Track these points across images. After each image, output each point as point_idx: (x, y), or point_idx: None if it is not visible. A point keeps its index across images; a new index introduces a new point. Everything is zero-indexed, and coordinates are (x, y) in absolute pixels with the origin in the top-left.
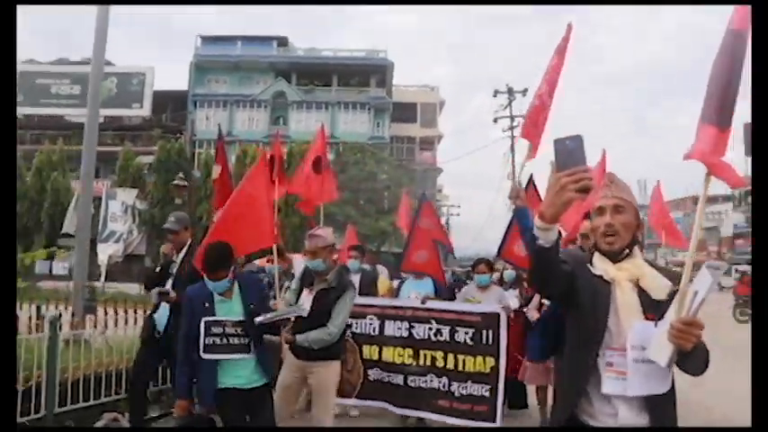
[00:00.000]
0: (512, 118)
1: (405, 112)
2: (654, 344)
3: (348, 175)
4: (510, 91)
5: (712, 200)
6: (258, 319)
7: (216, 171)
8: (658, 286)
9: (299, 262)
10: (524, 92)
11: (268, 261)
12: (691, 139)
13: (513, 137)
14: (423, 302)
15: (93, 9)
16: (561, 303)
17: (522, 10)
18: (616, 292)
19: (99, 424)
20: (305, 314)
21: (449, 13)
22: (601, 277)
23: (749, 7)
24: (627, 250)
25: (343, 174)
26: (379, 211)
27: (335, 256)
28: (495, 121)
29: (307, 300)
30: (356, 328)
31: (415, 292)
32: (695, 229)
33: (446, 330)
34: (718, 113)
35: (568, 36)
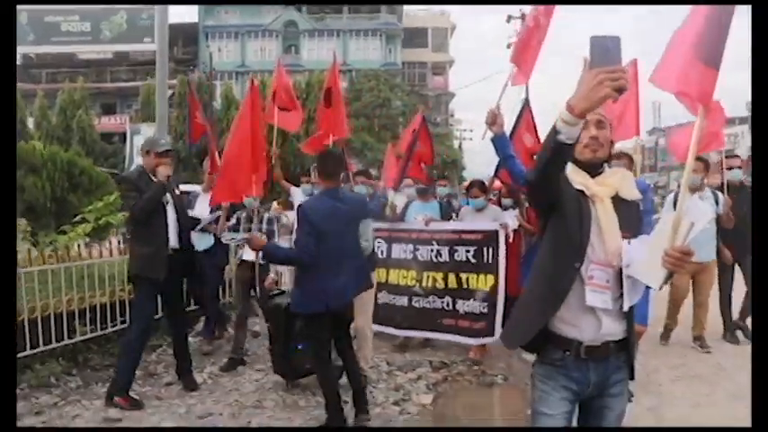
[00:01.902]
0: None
1: (416, 37)
2: (644, 268)
3: (362, 102)
4: (523, 16)
5: (729, 121)
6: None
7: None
8: (633, 192)
9: (297, 193)
10: None
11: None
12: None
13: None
14: (426, 224)
15: None
16: (547, 214)
17: None
18: (597, 207)
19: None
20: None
21: None
22: (581, 191)
23: None
24: (605, 164)
25: (358, 101)
26: (394, 137)
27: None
28: (509, 46)
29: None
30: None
31: (420, 215)
32: (689, 158)
33: (445, 251)
34: (712, 54)
35: None
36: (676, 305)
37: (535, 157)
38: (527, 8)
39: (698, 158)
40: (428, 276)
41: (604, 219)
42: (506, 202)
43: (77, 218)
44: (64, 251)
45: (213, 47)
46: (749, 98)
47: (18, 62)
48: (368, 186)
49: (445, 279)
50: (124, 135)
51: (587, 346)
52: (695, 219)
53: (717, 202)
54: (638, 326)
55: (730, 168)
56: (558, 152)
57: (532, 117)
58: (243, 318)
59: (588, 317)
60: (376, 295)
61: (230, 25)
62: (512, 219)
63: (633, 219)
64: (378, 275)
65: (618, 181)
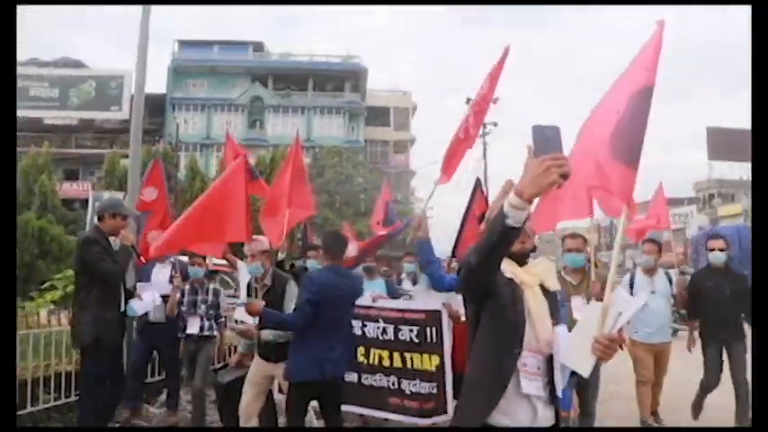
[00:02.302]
0: (484, 125)
1: (378, 115)
2: (573, 355)
3: (325, 179)
4: None
5: (678, 202)
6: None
7: (151, 194)
8: (555, 284)
9: (243, 267)
10: (495, 100)
11: (195, 263)
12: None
13: (485, 143)
14: (374, 301)
15: (61, 7)
16: (479, 302)
17: (493, 12)
18: (527, 295)
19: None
20: (248, 319)
21: (420, 15)
22: (512, 280)
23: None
24: (532, 253)
25: (321, 177)
26: (355, 214)
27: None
28: None
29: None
30: None
31: (368, 292)
32: (614, 253)
33: (390, 329)
34: (630, 153)
35: (504, 60)
36: (646, 391)
37: (475, 244)
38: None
39: (650, 240)
40: (375, 354)
41: (534, 306)
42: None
43: (46, 284)
44: (31, 318)
45: (180, 118)
46: (698, 179)
47: None
48: (319, 261)
49: (390, 357)
50: (86, 201)
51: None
52: (622, 309)
53: (670, 282)
54: (563, 411)
55: (712, 250)
56: (505, 235)
57: (486, 197)
58: (199, 390)
59: (523, 404)
60: None
61: (197, 98)
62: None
63: (556, 308)
64: None
65: (543, 271)
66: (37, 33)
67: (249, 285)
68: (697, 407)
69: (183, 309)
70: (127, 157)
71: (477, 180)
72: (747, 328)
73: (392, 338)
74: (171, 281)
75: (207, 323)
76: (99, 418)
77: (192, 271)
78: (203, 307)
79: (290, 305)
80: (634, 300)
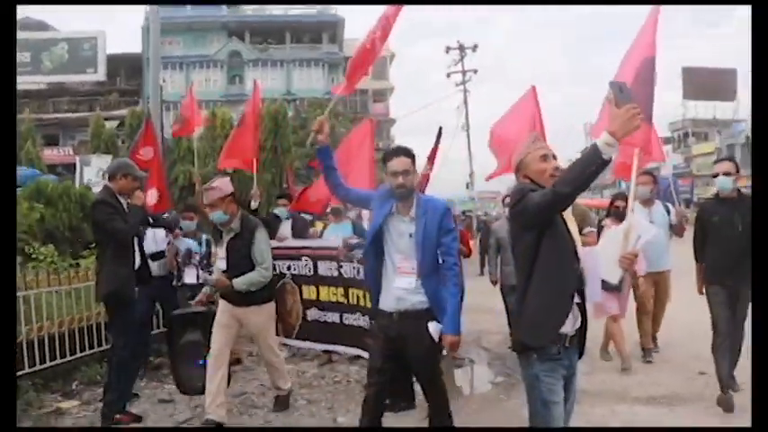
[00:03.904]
0: (464, 73)
1: None
2: (604, 267)
3: (307, 131)
4: (461, 48)
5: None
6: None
7: (147, 154)
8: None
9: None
10: (474, 47)
11: (187, 218)
12: None
13: (465, 90)
14: (345, 245)
15: None
16: (544, 229)
17: None
18: (567, 218)
19: None
20: (222, 267)
21: None
22: None
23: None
24: None
25: (303, 129)
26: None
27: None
28: (449, 75)
29: (220, 253)
30: (294, 270)
31: (334, 236)
32: (631, 195)
33: (358, 268)
34: (646, 112)
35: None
36: (646, 320)
37: (562, 179)
38: (464, 40)
39: (645, 172)
40: (353, 293)
41: (572, 227)
42: None
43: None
44: (84, 273)
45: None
46: (672, 119)
47: None
48: (286, 209)
49: (365, 296)
50: (70, 166)
51: (570, 337)
52: (641, 232)
53: (668, 213)
54: (450, 336)
55: (716, 175)
56: (600, 167)
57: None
58: None
59: (574, 311)
60: (305, 312)
61: (175, 57)
62: None
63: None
64: (308, 293)
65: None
66: None
67: (216, 231)
68: (724, 383)
69: (179, 261)
70: (110, 119)
71: (440, 129)
72: None
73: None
74: (167, 236)
75: (202, 272)
76: (132, 365)
77: (184, 225)
78: (197, 257)
79: (260, 249)
80: (651, 226)
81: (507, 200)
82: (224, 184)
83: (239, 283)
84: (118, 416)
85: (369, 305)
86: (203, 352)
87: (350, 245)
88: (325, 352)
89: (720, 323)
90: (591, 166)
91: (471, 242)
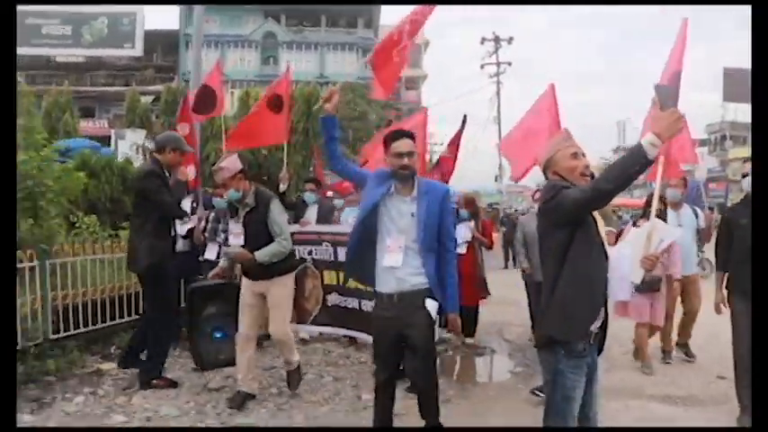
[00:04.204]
0: (498, 64)
1: None
2: (628, 268)
3: (339, 115)
4: (497, 39)
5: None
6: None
7: (183, 130)
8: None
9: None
10: (510, 40)
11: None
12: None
13: (498, 82)
14: None
15: None
16: (576, 226)
17: None
18: (596, 217)
19: None
20: (240, 242)
21: None
22: None
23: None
24: None
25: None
26: None
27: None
28: (482, 66)
29: (237, 229)
30: (315, 254)
31: (351, 217)
32: (654, 197)
33: None
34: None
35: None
36: (669, 318)
37: (604, 176)
38: (499, 31)
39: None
40: None
41: (601, 226)
42: (463, 213)
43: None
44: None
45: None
46: (710, 120)
47: None
48: (315, 193)
49: None
50: (103, 138)
51: (593, 334)
52: (663, 235)
53: (696, 216)
54: (452, 314)
55: (745, 175)
56: (644, 167)
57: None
58: None
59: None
60: (325, 298)
61: (210, 35)
62: (467, 230)
63: None
64: (329, 278)
65: None
66: None
67: (232, 207)
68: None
69: (206, 235)
70: (145, 94)
71: (465, 117)
72: None
73: None
74: (193, 212)
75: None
76: (170, 338)
77: (216, 202)
78: (222, 235)
79: (276, 221)
80: (674, 228)
81: (537, 195)
82: (231, 163)
83: (261, 255)
84: (155, 381)
85: None
86: (223, 324)
87: None
88: (346, 336)
89: (744, 337)
90: (635, 165)
91: (495, 234)
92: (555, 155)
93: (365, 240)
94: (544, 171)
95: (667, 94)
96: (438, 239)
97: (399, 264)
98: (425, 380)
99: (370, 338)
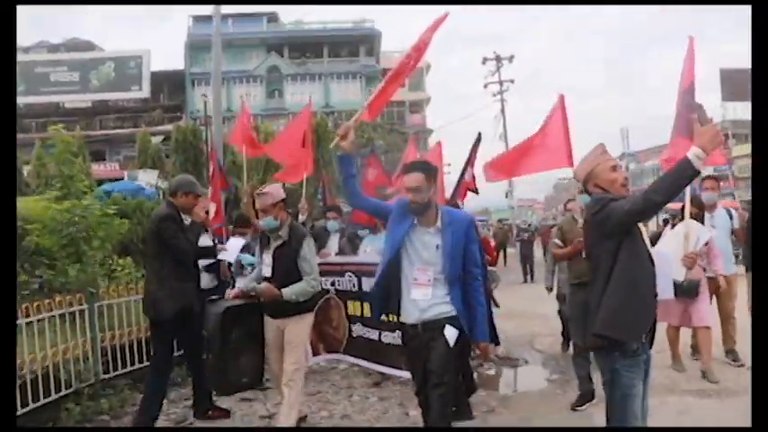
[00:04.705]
0: (500, 83)
1: None
2: (669, 267)
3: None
4: (498, 58)
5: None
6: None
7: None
8: None
9: (234, 244)
10: (511, 58)
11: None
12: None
13: (502, 100)
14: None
15: None
16: (625, 234)
17: None
18: (640, 225)
19: None
20: (267, 274)
21: None
22: None
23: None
24: None
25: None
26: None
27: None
28: (486, 86)
29: (267, 260)
30: (339, 285)
31: (370, 246)
32: (687, 199)
33: None
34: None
35: (441, 21)
36: (728, 318)
37: (654, 188)
38: (501, 50)
39: (710, 177)
40: None
41: (644, 231)
42: None
43: None
44: None
45: (198, 93)
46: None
47: None
48: (338, 221)
49: None
50: (116, 181)
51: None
52: (699, 235)
53: (731, 217)
54: (483, 343)
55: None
56: (691, 179)
57: (475, 154)
58: None
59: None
60: (350, 328)
61: None
62: None
63: None
64: (353, 308)
65: None
66: (36, 15)
67: (264, 236)
68: None
69: (233, 270)
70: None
71: (479, 135)
72: None
73: None
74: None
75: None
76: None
77: (235, 241)
78: (249, 269)
79: (307, 259)
80: (707, 228)
81: (570, 204)
82: (276, 190)
83: (289, 293)
84: (210, 412)
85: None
86: (247, 346)
87: None
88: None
89: None
90: (684, 178)
91: (511, 250)
92: (595, 168)
93: (392, 277)
94: (584, 183)
95: (704, 112)
96: (464, 268)
97: (429, 298)
98: (437, 409)
99: (388, 371)
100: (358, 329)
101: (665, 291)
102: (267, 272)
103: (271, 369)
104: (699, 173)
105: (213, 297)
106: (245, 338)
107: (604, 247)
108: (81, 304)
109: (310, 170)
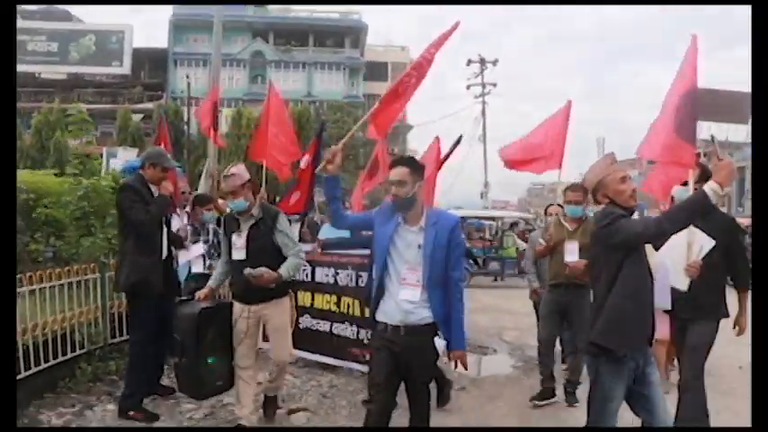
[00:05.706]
0: (483, 85)
1: (377, 71)
2: (675, 276)
3: (327, 133)
4: (482, 61)
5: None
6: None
7: (305, 162)
8: None
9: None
10: (495, 62)
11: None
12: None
13: (484, 102)
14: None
15: None
16: (631, 249)
17: None
18: None
19: None
20: (241, 257)
21: None
22: None
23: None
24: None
25: (323, 132)
26: (357, 167)
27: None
28: (468, 87)
29: (239, 243)
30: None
31: (329, 234)
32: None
33: (354, 275)
34: (687, 132)
35: (450, 33)
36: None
37: (668, 217)
38: (485, 53)
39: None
40: (345, 302)
41: (648, 246)
42: None
43: None
44: None
45: (182, 73)
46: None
47: None
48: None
49: (352, 305)
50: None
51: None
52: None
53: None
54: (458, 351)
55: None
56: (705, 211)
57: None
58: None
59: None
60: (298, 319)
61: (199, 53)
62: None
63: None
64: (303, 299)
65: None
66: None
67: (231, 220)
68: None
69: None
70: (136, 113)
71: (460, 137)
72: None
73: (354, 284)
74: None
75: (209, 261)
76: (148, 365)
77: (206, 216)
78: (204, 246)
79: (286, 233)
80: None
81: (550, 209)
82: (242, 171)
83: (286, 271)
84: (131, 412)
85: (357, 314)
86: (218, 349)
87: (325, 243)
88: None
89: None
90: (698, 211)
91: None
92: (605, 179)
93: (383, 273)
94: (593, 193)
95: (720, 145)
96: (445, 271)
97: (417, 299)
98: (420, 415)
99: (338, 363)
100: (306, 321)
101: (659, 301)
102: (240, 255)
103: (239, 362)
104: (714, 206)
105: (183, 298)
106: (218, 340)
107: (609, 258)
108: (94, 273)
109: (295, 157)
